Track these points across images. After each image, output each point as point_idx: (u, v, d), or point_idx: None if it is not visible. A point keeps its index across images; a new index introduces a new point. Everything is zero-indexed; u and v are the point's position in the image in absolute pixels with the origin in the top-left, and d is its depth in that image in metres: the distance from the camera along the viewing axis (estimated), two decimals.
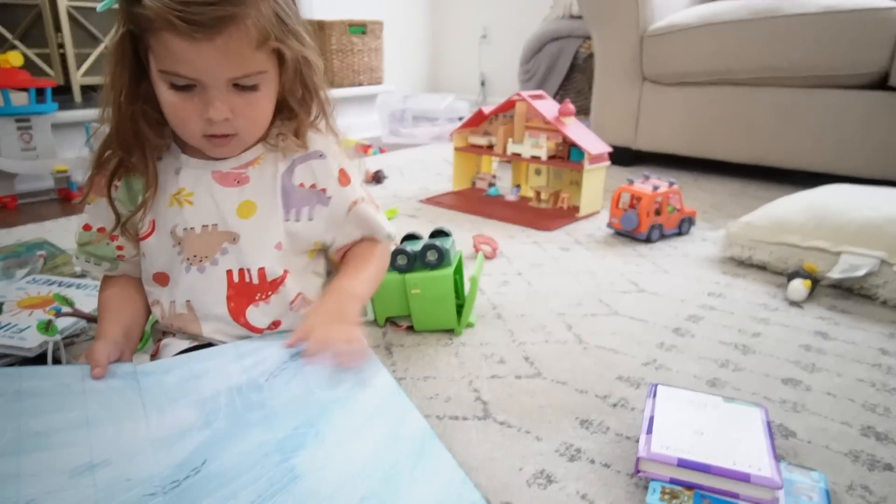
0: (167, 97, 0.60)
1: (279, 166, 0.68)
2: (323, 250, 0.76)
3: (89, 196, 0.67)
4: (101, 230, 0.68)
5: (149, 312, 0.74)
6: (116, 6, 0.59)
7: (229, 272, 0.67)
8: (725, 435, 0.65)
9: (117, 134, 0.64)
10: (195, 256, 0.66)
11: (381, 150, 2.50)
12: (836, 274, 1.12)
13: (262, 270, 0.67)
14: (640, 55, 2.10)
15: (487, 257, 1.31)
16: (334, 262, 0.77)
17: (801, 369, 0.88)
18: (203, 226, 0.66)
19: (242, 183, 0.67)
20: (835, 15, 1.72)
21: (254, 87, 0.61)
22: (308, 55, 0.64)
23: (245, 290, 0.67)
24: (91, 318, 0.89)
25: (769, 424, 0.67)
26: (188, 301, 0.67)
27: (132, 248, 0.69)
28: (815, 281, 1.13)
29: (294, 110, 0.67)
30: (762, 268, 1.27)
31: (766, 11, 1.82)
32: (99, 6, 0.60)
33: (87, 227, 0.69)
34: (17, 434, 0.54)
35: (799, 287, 1.10)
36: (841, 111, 1.78)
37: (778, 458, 0.61)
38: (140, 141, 0.64)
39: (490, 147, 1.78)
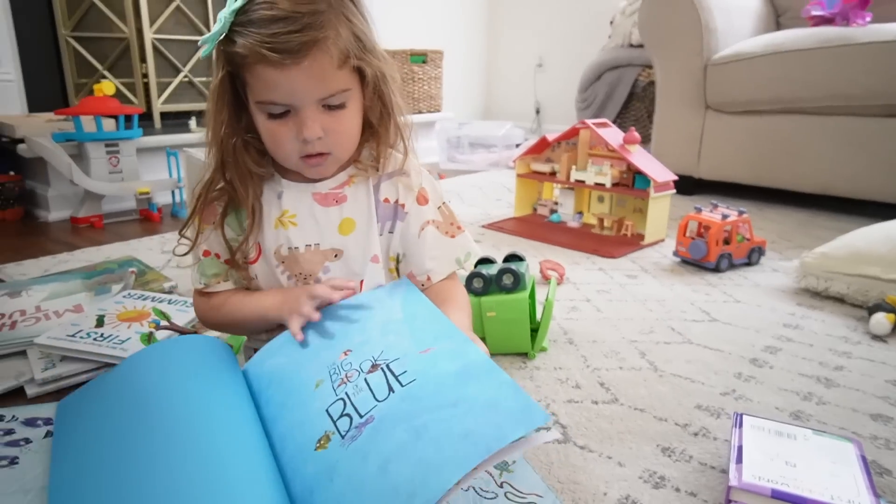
0: (265, 126, 0.65)
1: (370, 183, 0.72)
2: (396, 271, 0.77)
3: (202, 225, 0.71)
4: (217, 256, 0.73)
5: None
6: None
7: None
8: (819, 468, 0.63)
9: (222, 166, 0.69)
10: (300, 274, 0.70)
11: (441, 176, 2.55)
12: None
13: (362, 283, 0.70)
14: (704, 83, 2.09)
15: None
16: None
17: (890, 405, 0.86)
18: (307, 245, 0.70)
19: (341, 202, 0.71)
20: None
21: (341, 106, 0.65)
22: (385, 70, 0.68)
23: None
24: (186, 332, 0.94)
25: (865, 459, 0.65)
26: None
27: (247, 273, 0.73)
28: None
29: (375, 128, 0.71)
30: (839, 300, 1.23)
31: (837, 40, 1.79)
32: (202, 52, 0.65)
33: (206, 254, 0.73)
34: None
35: (882, 320, 1.07)
36: None
37: (878, 494, 0.60)
38: (241, 171, 0.69)
39: (553, 174, 1.80)
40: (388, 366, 0.60)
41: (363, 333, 0.65)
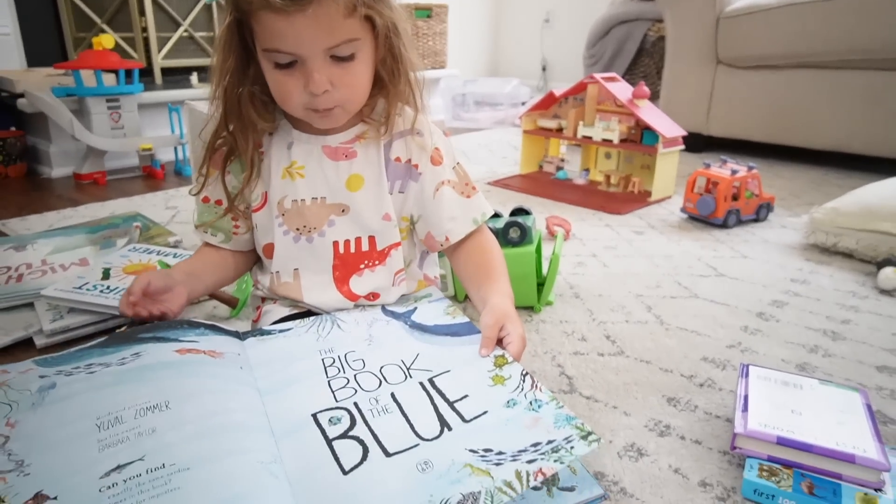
0: (272, 76, 0.63)
1: (382, 141, 0.70)
2: (410, 231, 0.77)
3: (210, 169, 0.71)
4: (218, 202, 0.72)
5: (234, 278, 0.79)
6: None
7: (335, 243, 0.70)
8: (824, 416, 0.64)
9: (225, 116, 0.67)
10: (304, 227, 0.69)
11: (446, 134, 2.51)
12: None
13: (372, 238, 0.70)
14: (716, 37, 2.04)
15: None
16: (428, 247, 0.78)
17: None
18: (313, 198, 0.69)
19: (350, 157, 0.70)
20: None
21: (350, 57, 0.63)
22: (397, 21, 0.65)
23: (352, 260, 0.70)
24: None
25: (870, 408, 0.65)
26: (296, 270, 0.70)
27: (245, 224, 0.73)
28: None
29: (385, 84, 0.69)
30: (848, 255, 1.22)
31: None
32: None
33: (205, 200, 0.73)
34: None
35: (891, 275, 1.06)
36: None
37: (882, 441, 0.60)
38: (244, 122, 0.67)
39: (560, 130, 1.77)
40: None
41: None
